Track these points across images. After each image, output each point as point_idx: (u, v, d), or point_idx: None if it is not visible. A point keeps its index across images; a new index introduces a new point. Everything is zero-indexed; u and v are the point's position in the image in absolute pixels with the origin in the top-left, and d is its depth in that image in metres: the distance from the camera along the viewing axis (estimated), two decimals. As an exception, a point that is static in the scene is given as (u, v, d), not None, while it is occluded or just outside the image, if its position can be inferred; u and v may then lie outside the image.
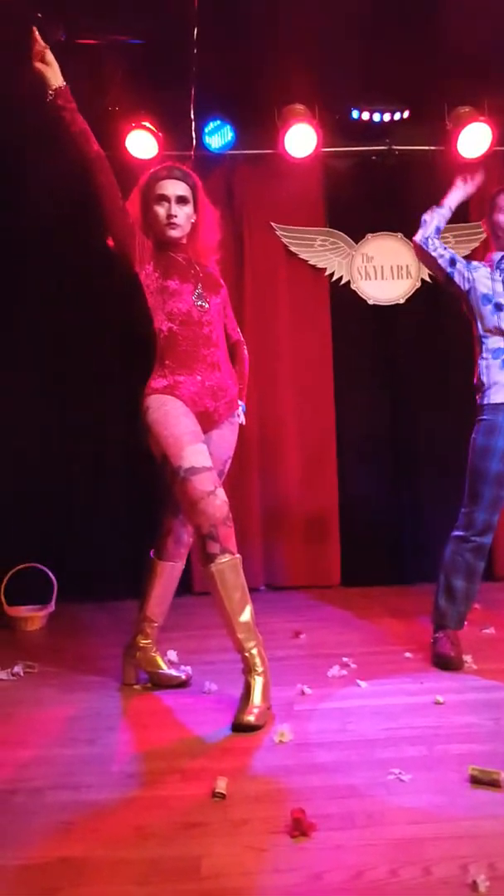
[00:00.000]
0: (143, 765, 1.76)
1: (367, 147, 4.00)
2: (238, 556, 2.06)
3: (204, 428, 2.20)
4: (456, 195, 2.62)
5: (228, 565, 2.02)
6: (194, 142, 3.66)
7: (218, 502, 2.03)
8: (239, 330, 2.53)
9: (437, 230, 2.58)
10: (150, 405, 2.16)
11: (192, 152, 3.66)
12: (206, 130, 3.69)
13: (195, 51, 3.21)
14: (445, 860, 1.28)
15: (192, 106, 3.51)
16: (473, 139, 3.80)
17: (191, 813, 1.52)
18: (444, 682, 2.27)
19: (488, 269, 2.59)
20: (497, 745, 1.77)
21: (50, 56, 2.03)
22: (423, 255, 2.61)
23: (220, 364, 2.26)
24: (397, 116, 3.80)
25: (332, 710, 2.06)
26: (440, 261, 2.57)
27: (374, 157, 4.02)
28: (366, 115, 3.78)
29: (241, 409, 2.43)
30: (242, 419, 2.43)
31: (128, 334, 3.70)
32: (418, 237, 2.59)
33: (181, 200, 2.22)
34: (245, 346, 2.54)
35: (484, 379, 2.55)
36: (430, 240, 2.56)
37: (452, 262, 2.58)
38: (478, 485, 2.47)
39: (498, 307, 2.52)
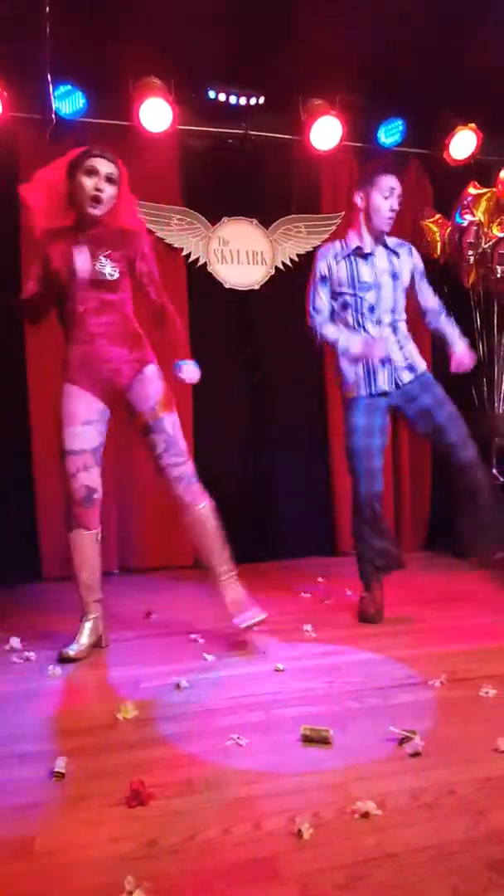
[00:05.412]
0: (-23, 753, 1.69)
1: (224, 129, 4.02)
2: (95, 531, 2.42)
3: (111, 393, 2.40)
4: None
5: (85, 539, 2.40)
6: (53, 105, 3.51)
7: (77, 485, 2.35)
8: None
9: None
10: (62, 389, 2.38)
11: (53, 115, 3.51)
12: (56, 94, 3.52)
13: (47, 9, 3.06)
14: (275, 814, 1.36)
15: (47, 68, 3.35)
16: (325, 132, 3.94)
17: (27, 795, 1.48)
18: (285, 650, 2.38)
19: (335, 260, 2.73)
20: (329, 705, 1.88)
21: None
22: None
23: (111, 335, 2.37)
24: (253, 101, 3.86)
25: (177, 685, 2.09)
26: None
27: (230, 141, 4.05)
28: (222, 97, 3.80)
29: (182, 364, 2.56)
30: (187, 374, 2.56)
31: None
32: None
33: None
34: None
35: (342, 366, 2.74)
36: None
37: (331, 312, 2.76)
38: (352, 461, 2.73)
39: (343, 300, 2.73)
